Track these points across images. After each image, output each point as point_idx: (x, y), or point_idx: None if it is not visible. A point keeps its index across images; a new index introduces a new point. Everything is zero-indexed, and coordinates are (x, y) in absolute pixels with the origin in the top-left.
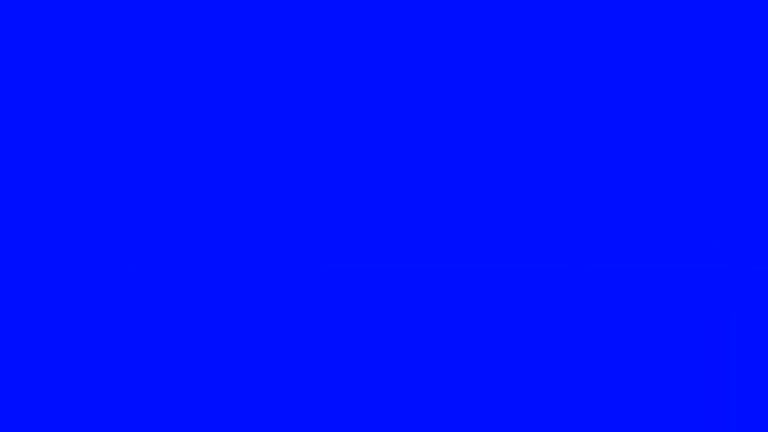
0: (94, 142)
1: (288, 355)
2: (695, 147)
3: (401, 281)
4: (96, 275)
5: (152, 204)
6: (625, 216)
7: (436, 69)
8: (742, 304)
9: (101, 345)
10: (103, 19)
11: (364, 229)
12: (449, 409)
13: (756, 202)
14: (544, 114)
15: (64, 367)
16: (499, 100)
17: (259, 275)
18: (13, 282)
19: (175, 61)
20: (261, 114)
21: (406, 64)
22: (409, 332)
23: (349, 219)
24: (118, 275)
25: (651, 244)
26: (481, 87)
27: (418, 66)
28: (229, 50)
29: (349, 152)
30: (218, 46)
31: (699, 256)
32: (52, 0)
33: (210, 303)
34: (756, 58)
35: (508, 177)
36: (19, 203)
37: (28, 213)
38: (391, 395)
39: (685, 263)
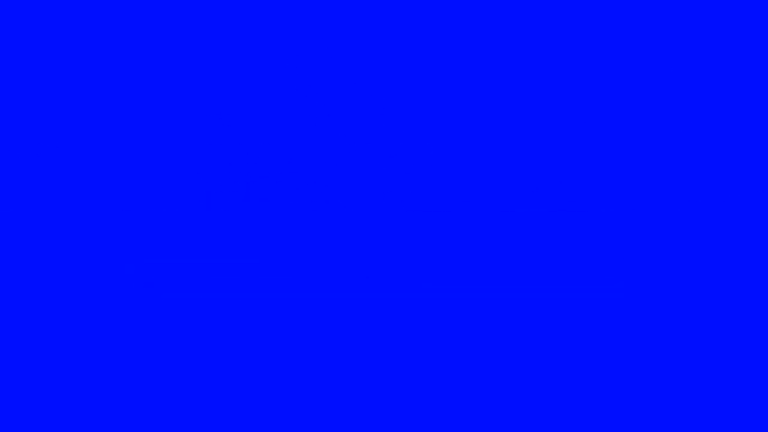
0: (92, 140)
1: (285, 356)
2: (695, 147)
3: (399, 282)
4: (93, 272)
5: (150, 201)
6: (625, 216)
7: (436, 68)
8: (742, 304)
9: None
10: (103, 18)
11: (362, 227)
12: (448, 410)
13: (756, 202)
14: (544, 114)
15: (63, 367)
16: (499, 100)
17: (256, 272)
18: (12, 282)
19: (174, 59)
20: (258, 111)
21: (405, 63)
22: (407, 333)
23: (347, 218)
24: (115, 272)
25: (651, 245)
26: (480, 87)
27: (418, 65)
28: (228, 49)
29: (347, 151)
30: (218, 45)
31: (699, 256)
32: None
33: (207, 304)
34: (756, 58)
35: (507, 177)
36: (18, 203)
37: (28, 212)
38: (389, 396)
39: (685, 264)
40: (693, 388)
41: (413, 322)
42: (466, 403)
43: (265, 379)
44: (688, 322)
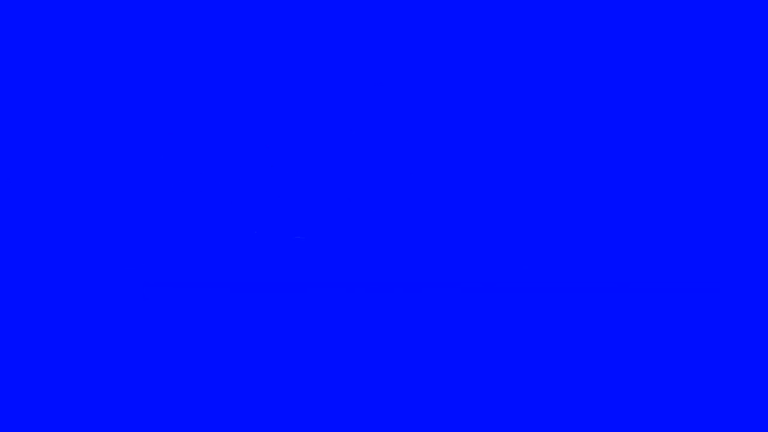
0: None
1: (285, 358)
2: (694, 147)
3: (398, 284)
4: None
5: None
6: (625, 216)
7: (436, 68)
8: (742, 304)
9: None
10: (103, 18)
11: (362, 226)
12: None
13: (756, 202)
14: (544, 114)
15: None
16: (499, 99)
17: (255, 273)
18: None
19: (175, 60)
20: (259, 112)
21: (405, 63)
22: (407, 334)
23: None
24: (115, 272)
25: (651, 245)
26: (480, 86)
27: (418, 65)
28: (228, 49)
29: (346, 151)
30: (218, 45)
31: (698, 256)
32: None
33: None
34: (756, 58)
35: (507, 177)
36: (19, 202)
37: (28, 212)
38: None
39: (685, 264)
40: (692, 387)
41: (412, 321)
42: (465, 400)
43: (263, 377)
44: (688, 321)
